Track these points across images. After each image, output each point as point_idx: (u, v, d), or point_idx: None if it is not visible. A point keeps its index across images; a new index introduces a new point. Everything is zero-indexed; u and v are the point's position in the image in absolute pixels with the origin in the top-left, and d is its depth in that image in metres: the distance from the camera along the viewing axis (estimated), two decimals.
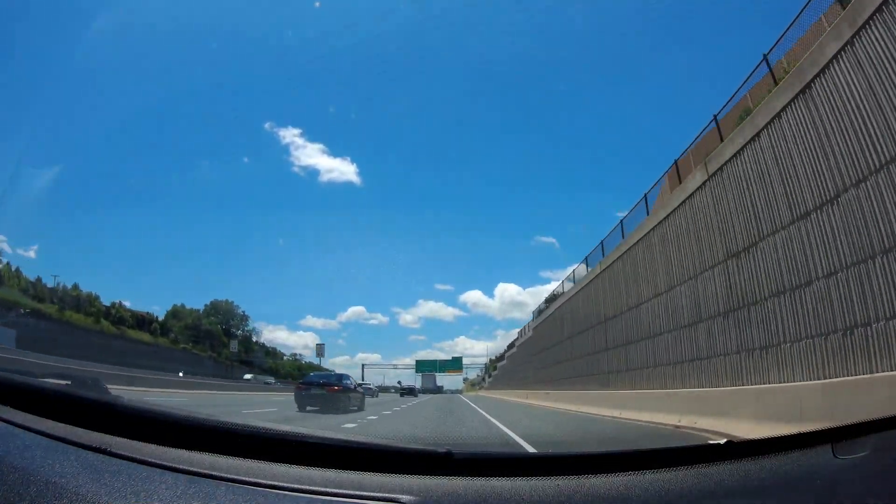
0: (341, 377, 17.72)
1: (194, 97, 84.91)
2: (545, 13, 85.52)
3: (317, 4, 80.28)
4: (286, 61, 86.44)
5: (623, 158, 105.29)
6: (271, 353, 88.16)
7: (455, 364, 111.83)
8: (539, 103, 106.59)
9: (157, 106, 76.26)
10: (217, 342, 73.08)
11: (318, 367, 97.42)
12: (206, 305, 76.49)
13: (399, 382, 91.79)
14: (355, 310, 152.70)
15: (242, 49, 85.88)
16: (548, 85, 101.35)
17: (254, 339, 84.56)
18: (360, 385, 19.58)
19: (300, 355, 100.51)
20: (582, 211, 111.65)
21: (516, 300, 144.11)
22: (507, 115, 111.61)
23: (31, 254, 70.82)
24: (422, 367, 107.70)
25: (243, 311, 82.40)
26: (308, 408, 15.13)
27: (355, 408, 16.79)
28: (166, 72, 79.21)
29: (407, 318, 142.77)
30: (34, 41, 60.73)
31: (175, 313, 70.57)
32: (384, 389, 76.82)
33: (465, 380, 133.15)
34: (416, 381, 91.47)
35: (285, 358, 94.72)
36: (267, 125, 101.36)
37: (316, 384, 15.96)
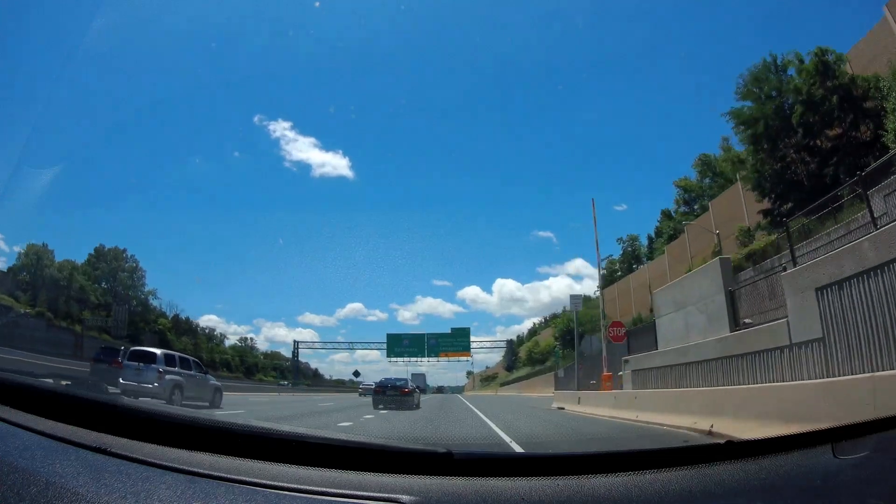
0: (406, 381, 21.65)
1: (188, 93, 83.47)
2: (544, 12, 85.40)
3: (316, 4, 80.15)
4: (281, 57, 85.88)
5: (621, 154, 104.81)
6: (192, 331, 64.63)
7: (457, 340, 68.05)
8: (536, 100, 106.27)
9: (152, 103, 74.97)
10: (82, 302, 48.39)
11: (280, 355, 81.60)
12: (89, 254, 55.00)
13: (356, 374, 73.08)
14: (353, 306, 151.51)
15: (238, 45, 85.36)
16: (546, 82, 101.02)
17: (159, 308, 60.77)
18: (417, 386, 24.43)
19: (251, 341, 78.74)
20: (580, 206, 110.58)
21: (515, 296, 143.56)
22: (505, 110, 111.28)
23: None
24: (396, 346, 67.91)
25: (136, 264, 58.76)
26: (380, 406, 19.00)
27: (416, 404, 20.37)
28: (162, 69, 78.68)
29: (405, 314, 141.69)
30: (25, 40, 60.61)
31: (36, 256, 47.36)
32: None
33: (469, 374, 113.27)
34: (402, 372, 77.03)
35: (227, 344, 72.80)
36: (256, 118, 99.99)
37: (390, 388, 19.97)
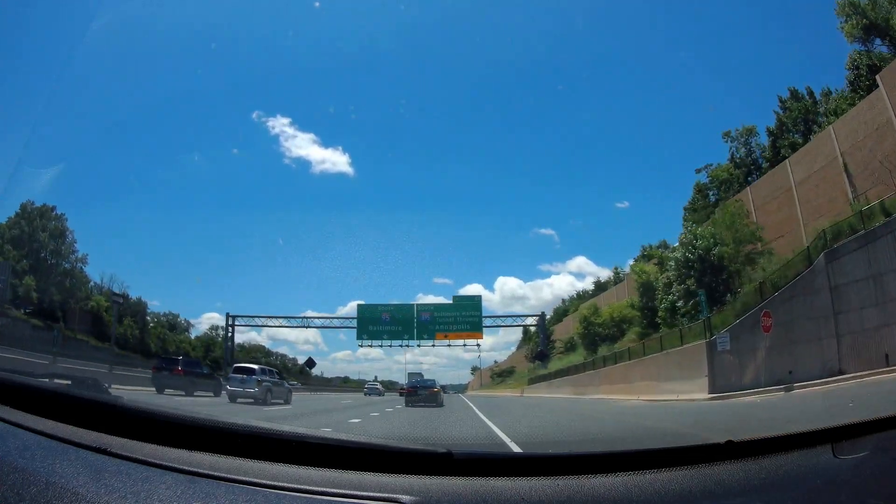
0: (434, 382, 25.24)
1: (187, 91, 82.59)
2: (545, 10, 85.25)
3: (316, 4, 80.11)
4: (280, 55, 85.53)
5: (622, 151, 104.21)
6: (140, 314, 52.80)
7: (463, 315, 48.87)
8: (537, 98, 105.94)
9: (151, 100, 74.29)
10: None
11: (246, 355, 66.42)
12: (15, 212, 43.94)
13: (309, 364, 62.36)
14: (355, 304, 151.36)
15: (237, 43, 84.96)
16: (546, 80, 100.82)
17: (103, 285, 48.22)
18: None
19: (221, 331, 63.61)
20: (580, 203, 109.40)
21: (517, 294, 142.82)
22: (505, 108, 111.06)
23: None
24: (371, 323, 49.49)
25: (64, 224, 46.00)
26: (410, 404, 21.56)
27: (441, 402, 22.84)
28: (160, 67, 78.46)
29: None
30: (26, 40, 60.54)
31: None
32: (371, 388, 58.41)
33: (475, 370, 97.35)
34: (391, 369, 74.18)
35: (193, 333, 62.46)
36: (255, 115, 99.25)
37: (420, 388, 23.11)
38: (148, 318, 56.62)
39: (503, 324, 60.48)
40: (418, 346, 52.23)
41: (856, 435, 1.50)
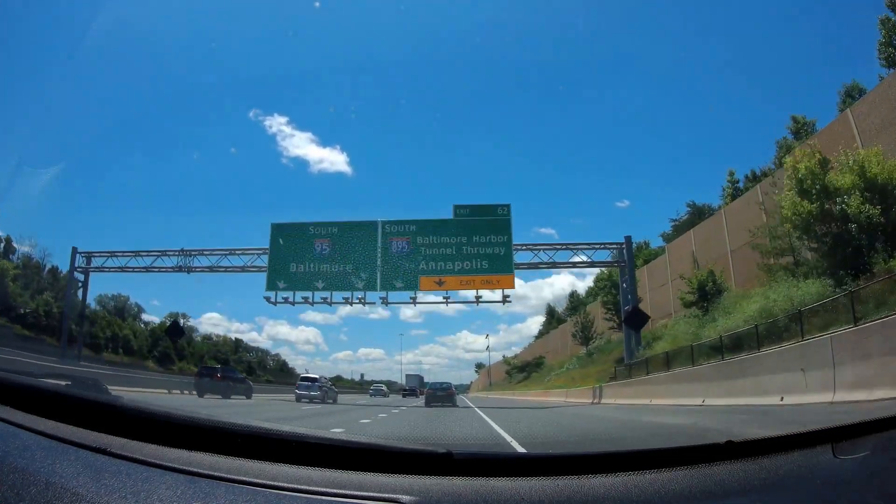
0: (450, 385, 28.98)
1: (184, 91, 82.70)
2: (548, 13, 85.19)
3: (316, 4, 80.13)
4: (279, 55, 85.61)
5: (622, 150, 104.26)
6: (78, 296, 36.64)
7: (481, 248, 27.82)
8: (536, 98, 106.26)
9: (150, 101, 74.34)
10: None
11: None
12: None
13: (174, 325, 45.02)
14: (356, 304, 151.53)
15: (235, 43, 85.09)
16: (545, 81, 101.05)
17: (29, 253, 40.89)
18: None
19: (182, 317, 55.41)
20: (580, 202, 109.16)
21: (518, 294, 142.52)
22: (505, 107, 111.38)
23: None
24: (293, 256, 28.07)
25: None
26: (433, 404, 24.63)
27: (455, 403, 26.19)
28: (162, 68, 78.50)
29: (407, 312, 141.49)
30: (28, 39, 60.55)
31: None
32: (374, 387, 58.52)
33: (479, 367, 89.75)
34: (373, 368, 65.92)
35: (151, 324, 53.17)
36: (251, 113, 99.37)
37: (439, 390, 26.67)
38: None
39: (548, 260, 31.46)
40: (383, 302, 29.07)
41: (856, 435, 1.50)
